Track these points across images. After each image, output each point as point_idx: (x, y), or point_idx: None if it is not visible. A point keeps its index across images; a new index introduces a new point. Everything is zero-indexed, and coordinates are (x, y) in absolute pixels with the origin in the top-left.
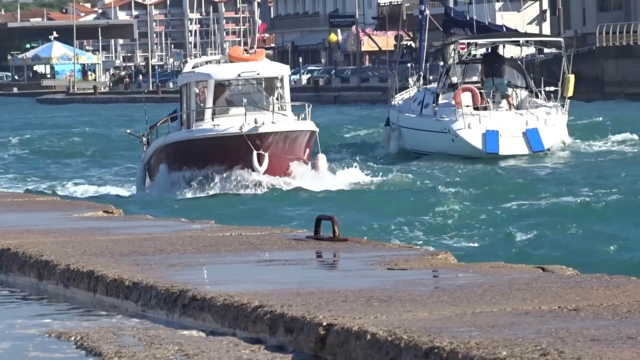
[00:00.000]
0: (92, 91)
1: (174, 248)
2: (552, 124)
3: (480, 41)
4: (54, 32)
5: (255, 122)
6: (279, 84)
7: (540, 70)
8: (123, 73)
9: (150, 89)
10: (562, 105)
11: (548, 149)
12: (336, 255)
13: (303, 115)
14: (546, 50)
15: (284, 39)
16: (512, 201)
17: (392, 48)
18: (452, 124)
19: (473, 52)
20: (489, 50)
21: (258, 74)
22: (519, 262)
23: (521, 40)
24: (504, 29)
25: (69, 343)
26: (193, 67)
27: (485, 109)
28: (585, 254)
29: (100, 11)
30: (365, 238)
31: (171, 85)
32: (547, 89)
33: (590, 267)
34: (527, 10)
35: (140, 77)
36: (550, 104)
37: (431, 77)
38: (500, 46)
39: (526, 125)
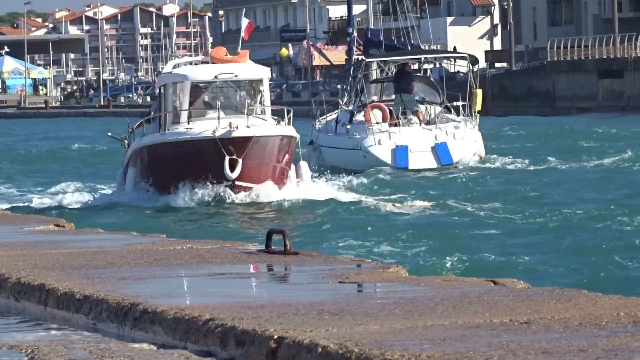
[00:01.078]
0: (44, 105)
1: (125, 261)
2: (461, 137)
3: (379, 59)
4: (5, 47)
5: (230, 125)
6: (258, 87)
7: (492, 84)
8: (74, 87)
9: (102, 103)
10: (470, 119)
11: (457, 162)
12: (287, 269)
13: (285, 121)
14: (497, 64)
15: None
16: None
17: (344, 62)
18: (363, 141)
19: (387, 71)
20: (398, 68)
21: (236, 76)
22: (470, 276)
23: (423, 57)
24: (409, 47)
25: (20, 355)
26: (173, 68)
27: (395, 125)
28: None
29: (51, 26)
30: (316, 252)
31: (122, 99)
32: (456, 103)
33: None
34: (478, 25)
35: (92, 91)
36: (459, 118)
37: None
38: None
39: (435, 140)
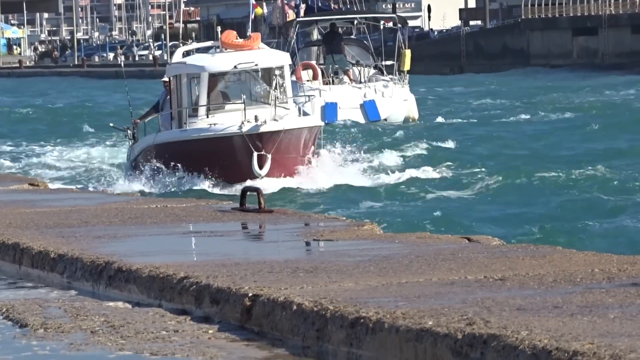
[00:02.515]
0: (18, 65)
1: (99, 220)
2: (390, 95)
3: (312, 19)
4: None
5: (256, 119)
6: (278, 74)
7: (466, 42)
8: (49, 47)
9: (76, 62)
10: (399, 79)
11: (385, 119)
12: (262, 227)
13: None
14: (471, 22)
15: (209, 12)
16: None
17: None
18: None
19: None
20: (327, 30)
21: (256, 64)
22: (445, 233)
23: (354, 18)
24: (343, 9)
25: None
26: (183, 56)
27: (326, 83)
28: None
29: None
30: (290, 209)
31: (96, 59)
32: (385, 63)
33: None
34: None
35: (68, 50)
36: (387, 77)
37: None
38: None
39: (364, 97)
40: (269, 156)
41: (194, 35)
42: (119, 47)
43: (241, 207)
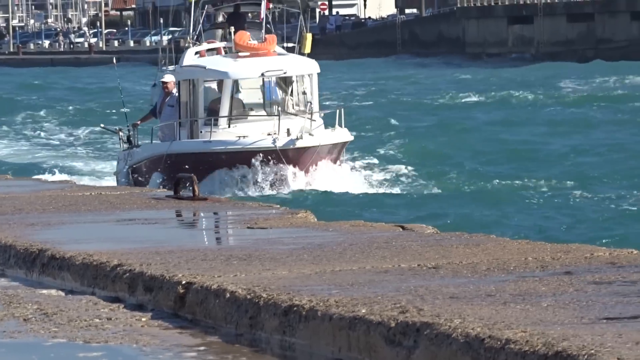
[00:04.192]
0: None
1: (33, 207)
2: None
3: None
4: None
5: (288, 133)
6: (307, 83)
7: (402, 30)
8: None
9: (11, 50)
10: None
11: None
12: (196, 214)
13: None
14: (407, 11)
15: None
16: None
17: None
18: None
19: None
20: (232, 12)
21: (285, 72)
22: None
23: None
24: None
25: None
26: (195, 58)
27: None
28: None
29: None
30: (224, 197)
31: (32, 46)
32: (286, 45)
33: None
34: None
35: (7, 37)
36: None
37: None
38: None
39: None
40: (303, 172)
41: (129, 22)
42: (60, 33)
43: (175, 195)
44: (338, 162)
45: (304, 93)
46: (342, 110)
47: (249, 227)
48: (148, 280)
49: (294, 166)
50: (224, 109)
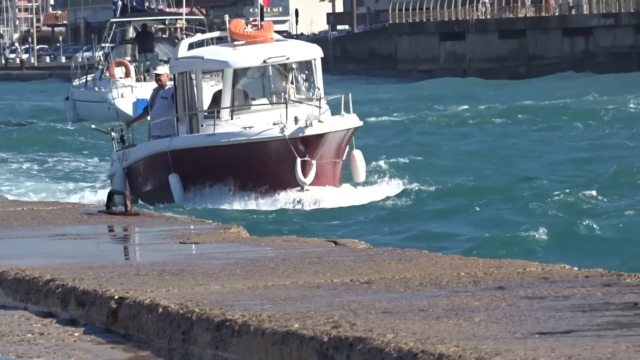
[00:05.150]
0: None
1: None
2: None
3: (123, 20)
4: None
5: (296, 121)
6: (311, 69)
7: (334, 46)
8: None
9: None
10: None
11: None
12: (128, 230)
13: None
14: (339, 27)
15: (77, 16)
16: None
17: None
18: (107, 94)
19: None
20: (140, 29)
21: (288, 58)
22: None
23: (167, 19)
24: (156, 10)
25: None
26: (189, 50)
27: (138, 80)
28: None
29: None
30: (157, 213)
31: None
32: None
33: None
34: None
35: None
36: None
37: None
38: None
39: None
40: (314, 163)
41: (61, 38)
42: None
43: (108, 210)
44: (346, 149)
45: (308, 79)
46: (350, 95)
47: (182, 242)
48: (81, 295)
49: (304, 155)
50: (226, 100)
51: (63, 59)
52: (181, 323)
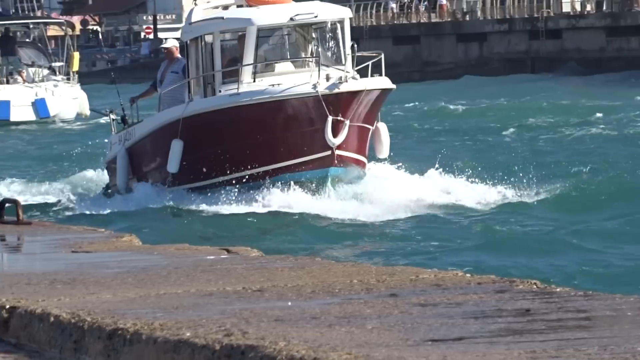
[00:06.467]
0: None
1: None
2: (59, 94)
3: None
4: None
5: (327, 78)
6: (339, 30)
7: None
8: None
9: None
10: (68, 80)
11: (54, 116)
12: (20, 239)
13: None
14: None
15: None
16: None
17: (79, 33)
18: None
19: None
20: (2, 33)
21: (316, 16)
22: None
23: (30, 23)
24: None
25: None
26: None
27: (0, 83)
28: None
29: None
30: (49, 222)
31: None
32: (55, 64)
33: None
34: None
35: None
36: (59, 77)
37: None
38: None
39: (35, 96)
40: (347, 123)
41: None
42: None
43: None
44: (377, 116)
45: (336, 41)
46: (383, 55)
47: (74, 251)
48: None
49: (335, 114)
50: (248, 60)
51: None
52: (73, 332)
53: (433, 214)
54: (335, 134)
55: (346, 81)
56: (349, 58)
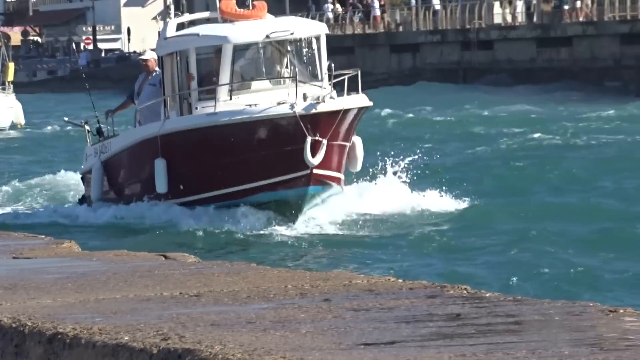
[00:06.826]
0: None
1: None
2: None
3: None
4: None
5: (305, 98)
6: (315, 46)
7: None
8: None
9: None
10: (3, 90)
11: None
12: None
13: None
14: None
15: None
16: None
17: (19, 43)
18: None
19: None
20: None
21: (292, 34)
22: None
23: None
24: None
25: None
26: (178, 30)
27: None
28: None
29: None
30: None
31: None
32: None
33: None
34: (151, 6)
35: None
36: None
37: None
38: None
39: None
40: (325, 142)
41: None
42: None
43: None
44: (354, 133)
45: (312, 57)
46: (359, 72)
47: (15, 257)
48: None
49: (313, 134)
50: (224, 78)
51: None
52: (14, 337)
53: (367, 222)
54: (313, 154)
55: (324, 101)
56: (326, 75)
